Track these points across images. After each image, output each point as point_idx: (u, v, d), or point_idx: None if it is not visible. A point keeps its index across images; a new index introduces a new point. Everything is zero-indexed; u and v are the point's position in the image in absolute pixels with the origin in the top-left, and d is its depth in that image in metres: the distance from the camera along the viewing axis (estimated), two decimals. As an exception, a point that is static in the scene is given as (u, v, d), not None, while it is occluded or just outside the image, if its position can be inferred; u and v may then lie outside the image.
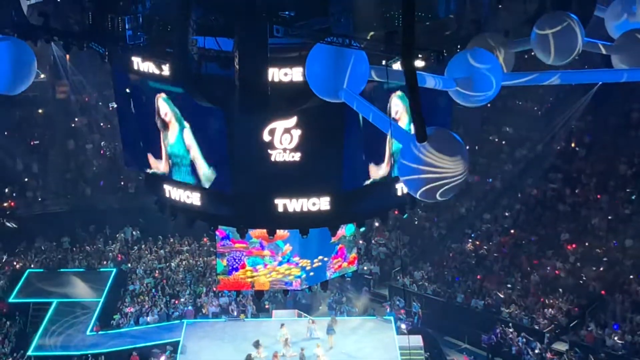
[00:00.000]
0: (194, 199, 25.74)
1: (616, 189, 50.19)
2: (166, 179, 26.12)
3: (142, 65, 23.52)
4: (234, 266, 33.77)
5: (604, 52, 22.00)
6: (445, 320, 46.19)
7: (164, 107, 24.71)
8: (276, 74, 21.67)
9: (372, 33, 22.13)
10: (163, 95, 24.48)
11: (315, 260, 32.85)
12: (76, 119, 59.14)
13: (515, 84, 20.50)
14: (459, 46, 22.92)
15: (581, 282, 45.64)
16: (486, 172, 55.44)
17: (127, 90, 25.60)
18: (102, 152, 58.43)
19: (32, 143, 58.52)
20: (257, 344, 40.74)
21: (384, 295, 49.59)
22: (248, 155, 23.86)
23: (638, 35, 21.51)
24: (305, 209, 24.98)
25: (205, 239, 51.81)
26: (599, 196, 50.14)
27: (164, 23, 22.79)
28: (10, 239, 52.69)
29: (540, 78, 20.01)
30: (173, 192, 26.26)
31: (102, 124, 59.15)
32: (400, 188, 25.68)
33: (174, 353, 41.93)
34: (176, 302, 46.80)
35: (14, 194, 55.38)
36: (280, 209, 24.89)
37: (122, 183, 56.32)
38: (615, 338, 41.36)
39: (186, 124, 24.46)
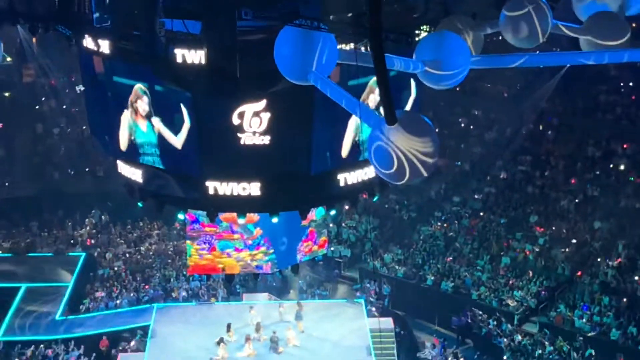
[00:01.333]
0: (163, 182, 25.63)
1: (584, 171, 50.54)
2: (133, 162, 25.95)
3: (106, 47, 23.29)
4: (204, 250, 33.74)
5: (571, 34, 22.03)
6: (416, 302, 46.37)
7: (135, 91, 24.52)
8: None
9: (340, 15, 22.04)
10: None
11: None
12: (43, 102, 58.65)
13: (484, 66, 20.51)
14: (427, 29, 22.91)
15: (550, 264, 45.93)
16: (455, 155, 55.64)
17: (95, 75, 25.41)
18: (68, 133, 57.94)
19: (-1, 127, 58.11)
20: (228, 328, 40.72)
21: (355, 278, 49.71)
22: (217, 138, 23.75)
23: (605, 17, 21.56)
24: (274, 192, 24.92)
25: (176, 224, 51.67)
26: (570, 180, 50.44)
27: (131, 5, 22.58)
28: (-22, 223, 52.41)
29: (508, 60, 20.03)
30: (138, 175, 26.12)
31: (68, 107, 58.66)
32: (344, 179, 25.56)
33: (144, 337, 41.77)
34: (146, 286, 46.68)
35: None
36: (249, 192, 24.81)
37: (91, 167, 55.95)
38: (584, 319, 41.69)
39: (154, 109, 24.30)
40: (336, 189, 25.79)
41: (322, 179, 25.11)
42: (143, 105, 24.15)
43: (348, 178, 25.69)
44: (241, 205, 25.77)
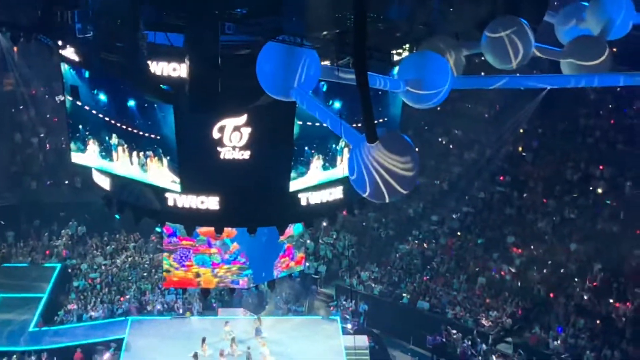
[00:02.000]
0: (141, 195, 25.58)
1: (562, 193, 50.72)
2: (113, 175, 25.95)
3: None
4: (181, 263, 33.66)
5: (552, 57, 22.18)
6: (391, 320, 46.31)
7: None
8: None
9: (324, 32, 22.10)
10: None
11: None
12: (22, 111, 58.36)
13: (465, 87, 20.61)
14: (409, 48, 23.00)
15: (526, 284, 46.03)
16: (435, 174, 55.72)
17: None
18: (47, 145, 57.68)
19: (-23, 136, 57.70)
20: (202, 342, 40.59)
21: (331, 295, 49.64)
22: (197, 152, 23.73)
23: (586, 41, 21.73)
24: (254, 207, 24.91)
25: (153, 237, 51.48)
26: (545, 200, 50.63)
27: (114, 17, 22.55)
28: (-46, 232, 52.05)
29: (489, 82, 20.14)
30: (120, 188, 26.12)
31: (48, 117, 58.39)
32: (306, 198, 25.59)
33: (118, 350, 41.61)
34: (121, 299, 46.44)
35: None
36: (227, 206, 24.79)
37: (69, 178, 55.65)
38: (559, 341, 41.78)
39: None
40: (314, 205, 25.81)
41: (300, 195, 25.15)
42: None
43: (323, 196, 25.80)
44: (218, 219, 25.76)
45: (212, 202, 24.78)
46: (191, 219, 25.98)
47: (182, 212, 25.16)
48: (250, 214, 25.25)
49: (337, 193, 25.95)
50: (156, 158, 24.05)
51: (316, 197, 25.71)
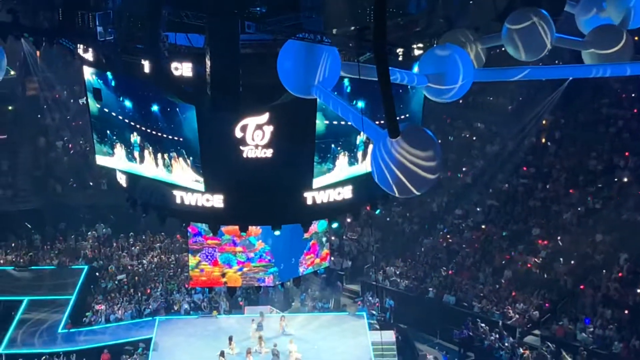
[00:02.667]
0: (167, 195, 25.69)
1: (586, 183, 50.48)
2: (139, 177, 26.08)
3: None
4: (207, 262, 33.78)
5: (574, 47, 22.12)
6: (418, 315, 46.28)
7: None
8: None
9: (343, 29, 22.13)
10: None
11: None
12: (46, 115, 58.76)
13: (486, 79, 20.59)
14: (430, 42, 22.98)
15: (552, 276, 45.88)
16: (457, 167, 55.64)
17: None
18: (70, 147, 58.02)
19: (1, 140, 58.03)
20: (230, 340, 40.72)
21: (357, 291, 49.67)
22: (219, 151, 23.81)
23: (607, 30, 21.65)
24: (279, 206, 24.97)
25: (178, 236, 51.71)
26: (571, 191, 50.43)
27: (135, 19, 22.67)
28: (-19, 236, 52.46)
29: (510, 74, 20.11)
30: (145, 189, 26.26)
31: (71, 120, 58.77)
32: (311, 197, 25.59)
33: (146, 350, 41.77)
34: (148, 298, 46.64)
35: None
36: (252, 204, 24.86)
37: (93, 180, 55.98)
38: (587, 332, 41.63)
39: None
40: (338, 201, 25.82)
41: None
42: None
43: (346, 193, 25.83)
44: (244, 218, 25.86)
45: (235, 201, 24.86)
46: (215, 218, 26.08)
47: (206, 211, 25.25)
48: (274, 211, 25.31)
49: (358, 190, 25.95)
50: (180, 159, 24.15)
51: (339, 194, 25.73)
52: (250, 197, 24.64)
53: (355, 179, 25.60)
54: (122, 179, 27.30)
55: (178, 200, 25.31)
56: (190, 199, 25.10)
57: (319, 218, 30.10)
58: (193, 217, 27.58)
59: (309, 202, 25.14)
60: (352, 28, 21.94)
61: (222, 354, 39.68)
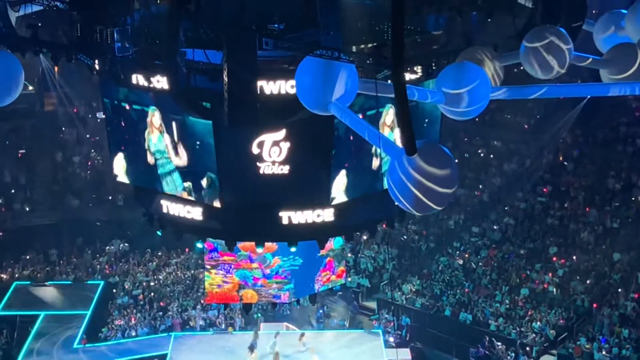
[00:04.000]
0: (182, 211, 25.69)
1: (604, 202, 50.31)
2: (155, 192, 26.10)
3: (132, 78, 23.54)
4: (223, 278, 33.75)
5: (592, 66, 22.05)
6: (434, 333, 46.11)
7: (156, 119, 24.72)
8: (266, 87, 21.74)
9: (361, 46, 22.15)
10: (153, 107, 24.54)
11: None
12: (64, 131, 59.05)
13: (504, 97, 20.54)
14: (447, 60, 22.98)
15: (569, 295, 45.66)
16: (475, 185, 55.54)
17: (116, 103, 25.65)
18: (89, 163, 58.24)
19: (19, 155, 58.31)
20: (251, 349, 40.69)
21: (373, 308, 49.54)
22: (237, 167, 23.83)
23: (626, 49, 21.58)
24: (294, 222, 24.93)
25: (187, 249, 51.84)
26: (587, 209, 50.25)
27: (153, 35, 22.76)
28: (-2, 250, 52.64)
29: (528, 92, 20.05)
30: (163, 205, 26.26)
31: (89, 136, 59.04)
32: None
33: (162, 366, 41.86)
34: (164, 314, 46.65)
35: (0, 206, 55.18)
36: (273, 221, 24.85)
37: (110, 196, 56.11)
38: (604, 351, 41.37)
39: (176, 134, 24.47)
40: (355, 219, 25.79)
41: (341, 209, 25.12)
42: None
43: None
44: (260, 234, 25.86)
45: (251, 217, 24.85)
46: (231, 234, 26.10)
47: (221, 228, 25.26)
48: (290, 227, 25.28)
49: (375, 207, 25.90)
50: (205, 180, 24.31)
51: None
52: (266, 213, 24.63)
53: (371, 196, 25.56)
54: (138, 194, 27.32)
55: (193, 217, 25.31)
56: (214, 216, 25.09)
57: (334, 235, 30.05)
58: (209, 233, 27.58)
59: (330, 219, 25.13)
60: (370, 45, 21.94)
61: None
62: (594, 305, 44.57)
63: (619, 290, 44.77)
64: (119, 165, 26.83)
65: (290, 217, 24.78)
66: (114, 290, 49.69)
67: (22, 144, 58.70)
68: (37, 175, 57.39)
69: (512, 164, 55.91)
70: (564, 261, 47.75)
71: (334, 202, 24.79)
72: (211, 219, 25.31)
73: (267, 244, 30.31)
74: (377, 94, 18.78)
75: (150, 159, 25.44)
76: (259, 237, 26.56)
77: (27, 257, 52.68)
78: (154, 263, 52.37)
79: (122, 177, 26.96)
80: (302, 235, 26.14)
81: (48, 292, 48.98)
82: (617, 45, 21.94)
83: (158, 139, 24.77)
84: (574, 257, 47.74)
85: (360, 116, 22.45)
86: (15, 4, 23.36)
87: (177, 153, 24.55)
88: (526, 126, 58.03)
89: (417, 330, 46.24)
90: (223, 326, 45.69)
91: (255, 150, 23.43)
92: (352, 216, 25.77)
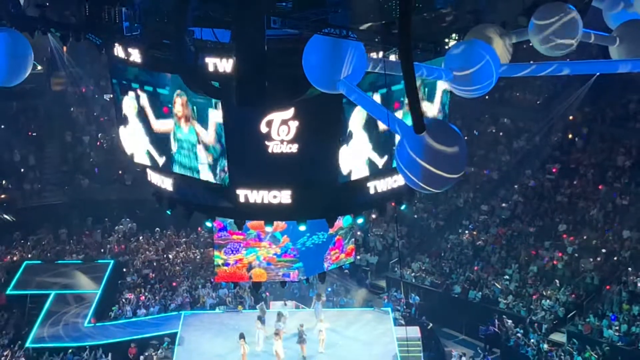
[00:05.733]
0: (193, 190, 25.73)
1: (614, 179, 50.24)
2: (165, 170, 26.11)
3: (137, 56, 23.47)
4: (232, 257, 33.83)
5: (601, 43, 21.96)
6: (443, 311, 46.23)
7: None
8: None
9: (369, 24, 22.07)
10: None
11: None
12: (73, 110, 59.11)
13: (513, 75, 20.48)
14: (456, 37, 22.89)
15: (579, 273, 45.67)
16: (484, 163, 55.50)
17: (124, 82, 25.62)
18: (98, 143, 58.34)
19: (29, 135, 58.43)
20: (242, 337, 40.56)
21: (382, 286, 49.64)
22: (245, 146, 23.82)
23: (635, 25, 21.47)
24: (302, 200, 24.93)
25: (199, 229, 51.96)
26: (599, 187, 50.18)
27: (161, 14, 22.71)
28: (7, 230, 52.73)
29: (538, 69, 19.97)
30: (169, 183, 26.29)
31: (98, 115, 59.11)
32: (374, 186, 25.51)
33: (172, 344, 41.88)
34: (174, 293, 46.81)
35: (10, 186, 55.35)
36: (279, 200, 24.84)
37: (120, 174, 56.19)
38: (613, 329, 41.40)
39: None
40: (366, 196, 25.77)
41: (351, 187, 25.11)
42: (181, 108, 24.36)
43: (378, 186, 25.68)
44: (270, 213, 25.85)
45: (262, 196, 24.85)
46: (240, 213, 26.10)
47: (230, 206, 25.27)
48: (299, 206, 25.29)
49: (400, 179, 25.80)
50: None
51: (383, 185, 25.70)
52: (275, 192, 24.63)
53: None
54: (157, 178, 27.18)
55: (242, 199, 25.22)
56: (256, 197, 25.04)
57: (344, 213, 30.07)
58: (218, 212, 27.60)
59: (336, 196, 25.13)
60: (378, 23, 21.87)
61: (242, 336, 39.76)
62: (604, 282, 44.55)
63: (629, 268, 44.74)
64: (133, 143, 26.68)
65: (292, 196, 24.71)
66: (124, 270, 49.83)
67: (31, 123, 58.78)
68: (46, 155, 57.54)
69: (521, 142, 55.82)
70: (573, 239, 47.74)
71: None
72: (217, 196, 25.34)
73: (277, 223, 30.36)
74: (385, 72, 18.75)
75: (173, 147, 25.38)
76: (267, 215, 26.53)
77: (37, 236, 52.83)
78: (163, 242, 52.46)
79: (139, 157, 26.77)
80: (309, 214, 26.19)
81: (58, 272, 49.09)
82: (626, 21, 21.83)
83: (190, 130, 24.64)
84: (584, 235, 47.72)
85: (373, 95, 22.44)
86: (23, -16, 23.36)
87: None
88: (536, 103, 57.87)
89: (427, 308, 46.35)
90: (232, 305, 45.80)
91: (264, 129, 23.40)
92: (360, 195, 25.75)
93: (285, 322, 41.10)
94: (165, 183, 26.35)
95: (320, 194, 24.90)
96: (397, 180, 25.68)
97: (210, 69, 21.64)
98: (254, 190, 24.56)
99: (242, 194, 24.64)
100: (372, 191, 25.58)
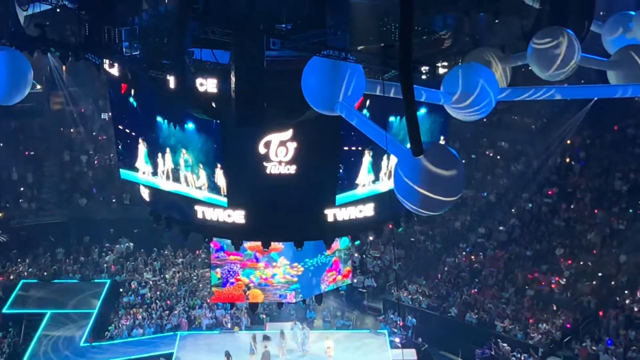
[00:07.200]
0: (192, 210, 25.76)
1: (611, 204, 50.24)
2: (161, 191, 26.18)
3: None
4: (229, 278, 33.81)
5: (599, 67, 22.05)
6: (439, 334, 46.10)
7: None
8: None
9: (368, 46, 22.15)
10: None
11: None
12: (72, 130, 59.14)
13: (511, 98, 20.53)
14: (455, 60, 22.98)
15: (575, 297, 45.61)
16: (481, 186, 55.49)
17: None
18: (96, 162, 58.29)
19: (27, 153, 58.39)
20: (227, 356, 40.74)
21: (379, 308, 49.52)
22: (243, 167, 23.86)
23: (634, 51, 21.56)
24: (301, 222, 24.96)
25: (197, 251, 51.89)
26: (595, 211, 50.18)
27: (161, 35, 22.80)
28: (4, 249, 52.61)
29: (536, 93, 20.04)
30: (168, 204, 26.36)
31: (96, 134, 59.11)
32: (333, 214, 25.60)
33: (168, 365, 41.90)
34: (170, 314, 46.68)
35: (8, 205, 55.24)
36: (273, 221, 24.89)
37: (117, 194, 56.15)
38: (609, 354, 41.31)
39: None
40: (360, 219, 25.80)
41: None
42: None
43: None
44: (266, 234, 25.88)
45: (257, 217, 24.89)
46: (237, 234, 26.11)
47: (228, 227, 25.30)
48: (296, 228, 25.30)
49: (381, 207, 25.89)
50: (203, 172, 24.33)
51: (361, 211, 25.71)
52: (272, 213, 24.66)
53: (377, 197, 25.57)
54: (145, 194, 27.36)
55: (200, 216, 25.37)
56: (212, 215, 25.16)
57: (341, 235, 30.09)
58: (215, 232, 27.61)
59: (331, 219, 25.15)
60: (377, 45, 21.95)
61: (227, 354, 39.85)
62: (601, 307, 44.46)
63: (625, 292, 44.70)
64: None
65: (291, 218, 24.77)
66: (121, 289, 49.72)
67: (29, 142, 58.77)
68: (44, 174, 57.47)
69: (519, 165, 55.86)
70: (571, 262, 47.70)
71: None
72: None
73: (273, 244, 30.36)
74: (384, 94, 18.80)
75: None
76: (265, 237, 26.57)
77: (34, 255, 52.72)
78: (160, 262, 52.35)
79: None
80: (309, 235, 26.25)
81: (55, 291, 48.99)
82: (624, 46, 21.93)
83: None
84: (580, 259, 47.69)
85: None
86: (24, 3, 23.44)
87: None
88: (533, 127, 57.92)
89: (423, 330, 46.21)
90: (229, 326, 45.68)
91: (262, 149, 23.47)
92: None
93: (285, 339, 41.32)
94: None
95: (318, 216, 24.96)
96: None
97: (210, 89, 21.72)
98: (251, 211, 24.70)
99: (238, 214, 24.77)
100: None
